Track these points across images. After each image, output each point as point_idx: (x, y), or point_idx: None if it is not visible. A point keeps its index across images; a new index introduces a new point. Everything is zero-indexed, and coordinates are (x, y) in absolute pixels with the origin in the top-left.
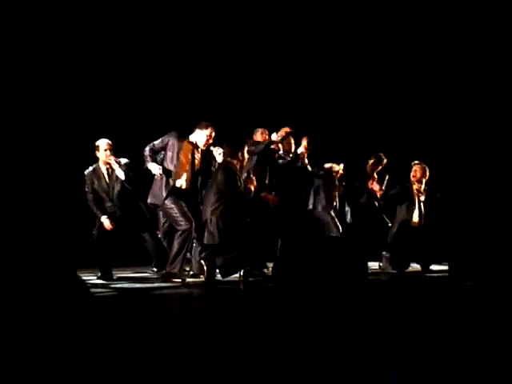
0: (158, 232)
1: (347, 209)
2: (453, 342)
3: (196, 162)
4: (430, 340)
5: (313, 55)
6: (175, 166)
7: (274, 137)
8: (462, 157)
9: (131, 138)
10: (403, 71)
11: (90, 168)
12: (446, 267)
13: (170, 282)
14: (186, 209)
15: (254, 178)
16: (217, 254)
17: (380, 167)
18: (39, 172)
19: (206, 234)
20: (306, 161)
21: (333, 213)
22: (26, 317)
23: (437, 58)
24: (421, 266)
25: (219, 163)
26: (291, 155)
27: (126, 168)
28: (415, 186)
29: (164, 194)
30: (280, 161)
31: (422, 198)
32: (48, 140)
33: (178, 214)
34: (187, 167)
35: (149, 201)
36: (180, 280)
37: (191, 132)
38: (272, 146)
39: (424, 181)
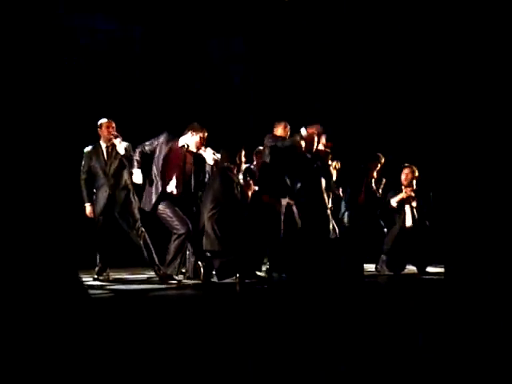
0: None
1: (344, 210)
2: (446, 342)
3: (188, 165)
4: (424, 340)
5: (311, 56)
6: (161, 172)
7: (304, 132)
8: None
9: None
10: (393, 74)
11: (90, 146)
12: (442, 269)
13: (166, 283)
14: (180, 212)
15: (251, 183)
16: (213, 257)
17: (379, 166)
18: (40, 173)
19: (204, 240)
20: (331, 162)
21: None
22: (25, 317)
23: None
24: (417, 268)
25: (216, 169)
26: (310, 154)
27: (126, 148)
28: (406, 191)
29: (153, 201)
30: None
31: (414, 204)
32: (49, 141)
33: (173, 219)
34: (177, 171)
35: (141, 205)
36: (176, 282)
37: (182, 134)
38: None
39: (414, 182)
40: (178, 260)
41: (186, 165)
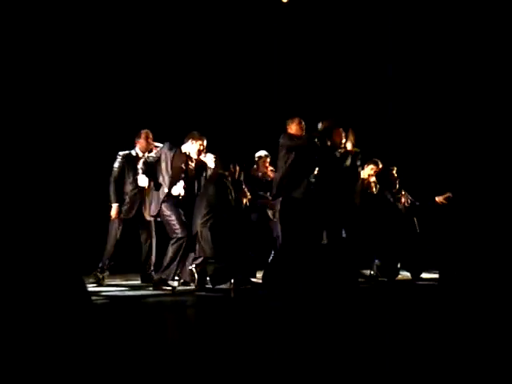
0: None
1: None
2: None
3: (190, 170)
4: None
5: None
6: (170, 176)
7: (320, 126)
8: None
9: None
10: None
11: (127, 151)
12: (436, 275)
13: (160, 289)
14: (182, 217)
15: (246, 190)
16: (208, 263)
17: (375, 169)
18: (46, 176)
19: (197, 246)
20: (359, 163)
21: None
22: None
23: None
24: (411, 273)
25: (211, 175)
26: (340, 150)
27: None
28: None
29: (159, 203)
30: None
31: (401, 206)
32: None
33: (175, 222)
34: (181, 176)
35: (150, 213)
36: (170, 288)
37: (183, 142)
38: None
39: (397, 183)
40: (175, 265)
41: (188, 170)
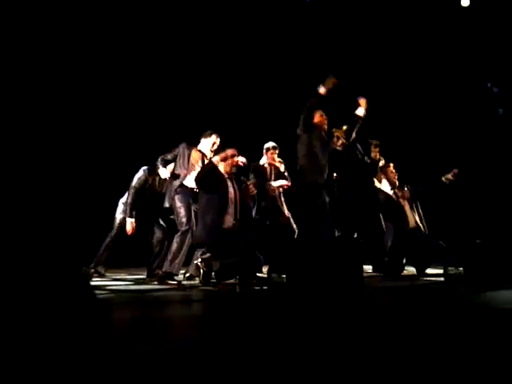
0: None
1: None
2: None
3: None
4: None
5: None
6: (186, 170)
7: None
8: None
9: (141, 150)
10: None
11: (149, 167)
12: (441, 271)
13: (165, 283)
14: (192, 211)
15: (251, 186)
16: (214, 258)
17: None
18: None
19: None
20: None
21: None
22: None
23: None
24: (416, 269)
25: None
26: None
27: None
28: (396, 190)
29: (172, 193)
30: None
31: (405, 203)
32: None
33: (183, 215)
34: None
35: (166, 205)
36: (176, 282)
37: (199, 142)
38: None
39: (396, 179)
40: (179, 259)
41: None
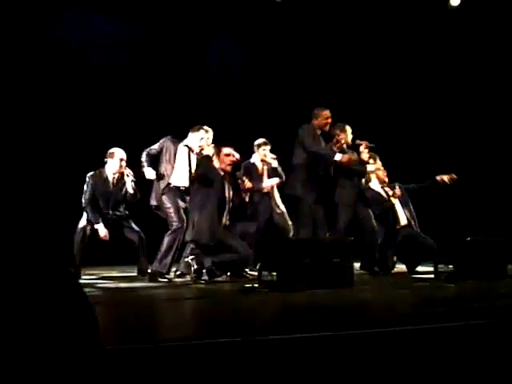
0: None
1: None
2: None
3: (193, 164)
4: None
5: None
6: (173, 167)
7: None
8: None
9: (127, 143)
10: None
11: (96, 171)
12: (431, 268)
13: (155, 281)
14: (181, 209)
15: (246, 181)
16: (205, 255)
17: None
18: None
19: (189, 231)
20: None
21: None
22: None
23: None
24: (407, 267)
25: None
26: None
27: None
28: (385, 188)
29: (160, 192)
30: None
31: (396, 201)
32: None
33: (173, 213)
34: (184, 167)
35: (151, 202)
36: (166, 280)
37: (186, 136)
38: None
39: (386, 177)
40: (170, 257)
41: (190, 162)
